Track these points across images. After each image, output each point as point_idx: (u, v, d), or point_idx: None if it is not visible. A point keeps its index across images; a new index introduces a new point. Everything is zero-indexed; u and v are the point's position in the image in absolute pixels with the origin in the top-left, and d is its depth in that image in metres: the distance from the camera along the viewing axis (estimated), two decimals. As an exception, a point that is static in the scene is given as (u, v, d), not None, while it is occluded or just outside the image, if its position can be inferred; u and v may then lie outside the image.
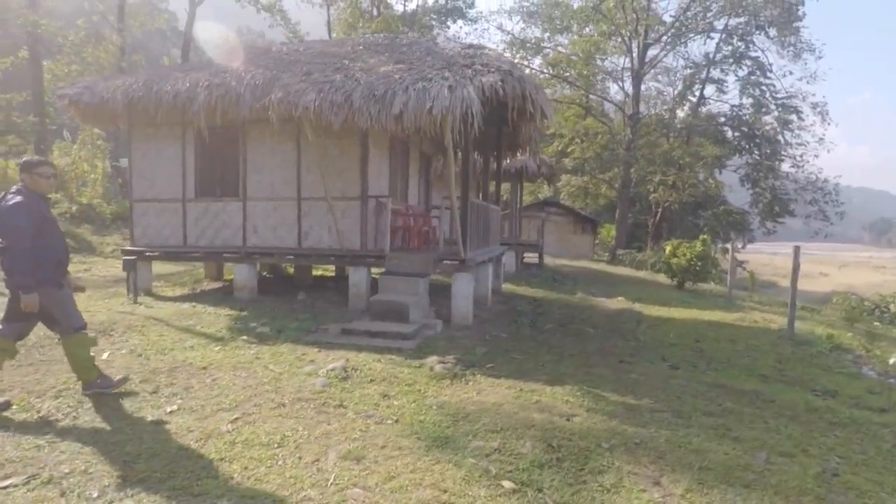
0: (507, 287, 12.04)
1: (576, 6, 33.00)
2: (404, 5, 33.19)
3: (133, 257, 8.25)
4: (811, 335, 9.18)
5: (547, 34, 35.37)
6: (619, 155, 30.50)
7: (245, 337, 6.24)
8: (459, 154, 7.52)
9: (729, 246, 31.97)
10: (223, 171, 8.58)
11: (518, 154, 12.00)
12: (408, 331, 6.27)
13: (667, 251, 15.01)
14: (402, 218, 8.55)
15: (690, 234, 35.02)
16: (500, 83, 6.08)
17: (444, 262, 7.59)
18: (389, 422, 4.00)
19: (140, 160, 8.99)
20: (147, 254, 8.81)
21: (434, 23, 33.02)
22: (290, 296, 8.64)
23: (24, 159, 4.08)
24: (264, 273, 11.46)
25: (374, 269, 8.29)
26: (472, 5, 34.44)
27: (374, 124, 6.34)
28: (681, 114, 34.84)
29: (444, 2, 33.68)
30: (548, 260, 22.78)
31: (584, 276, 16.71)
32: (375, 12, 32.33)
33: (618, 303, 11.15)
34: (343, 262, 8.02)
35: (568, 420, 4.21)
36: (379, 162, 8.45)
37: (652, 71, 33.78)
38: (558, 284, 13.68)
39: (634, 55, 31.16)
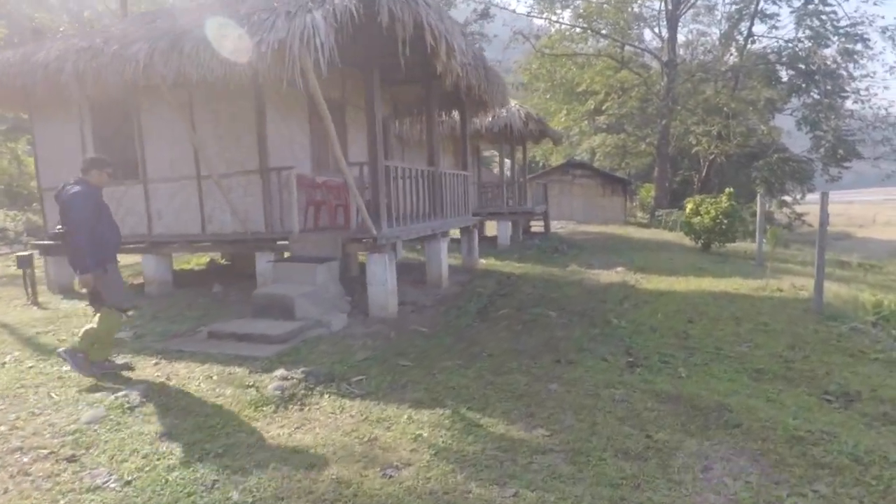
0: (487, 262, 10.55)
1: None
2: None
3: (28, 253, 7.41)
4: (850, 306, 7.18)
5: (576, -17, 32.22)
6: (655, 107, 27.60)
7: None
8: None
9: (787, 198, 29.04)
10: (122, 151, 7.52)
11: (487, 113, 10.29)
12: (278, 332, 5.00)
13: (687, 209, 12.88)
14: (318, 191, 7.20)
15: (745, 189, 31.70)
16: (356, 4, 4.54)
17: (359, 241, 6.23)
18: (113, 488, 2.76)
19: (43, 145, 8.10)
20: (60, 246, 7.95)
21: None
22: (211, 288, 7.57)
23: (93, 157, 4.58)
24: (222, 261, 10.53)
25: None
26: (483, -43, 31.75)
27: (205, 73, 4.98)
28: (727, 56, 31.11)
29: None
30: (571, 226, 20.90)
31: (598, 243, 14.84)
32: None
33: (614, 275, 9.41)
34: (248, 247, 6.83)
35: (389, 477, 2.82)
36: (288, 127, 7.11)
37: (690, 11, 30.19)
38: (558, 256, 12.00)
39: (670, -7, 27.73)
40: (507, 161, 16.73)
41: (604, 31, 31.78)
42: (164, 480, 2.80)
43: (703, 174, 32.36)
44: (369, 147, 6.06)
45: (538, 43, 32.65)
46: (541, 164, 36.65)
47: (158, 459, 3.02)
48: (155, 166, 7.30)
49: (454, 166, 15.49)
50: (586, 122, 34.86)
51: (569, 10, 32.62)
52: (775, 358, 5.15)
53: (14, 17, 21.64)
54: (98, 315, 4.28)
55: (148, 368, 4.53)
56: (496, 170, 21.47)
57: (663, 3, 28.26)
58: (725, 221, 12.03)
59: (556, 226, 20.88)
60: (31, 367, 4.60)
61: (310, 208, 7.15)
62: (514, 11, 32.56)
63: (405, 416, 3.55)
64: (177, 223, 7.30)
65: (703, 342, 5.57)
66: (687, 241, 14.29)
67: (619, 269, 9.90)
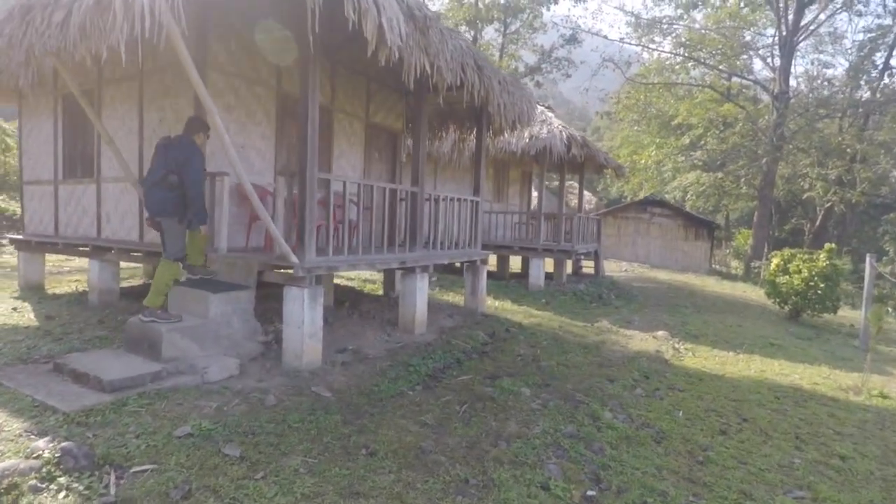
0: (499, 305, 8.91)
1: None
2: (503, -10, 30.01)
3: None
4: None
5: (679, 11, 29.76)
6: (759, 144, 24.23)
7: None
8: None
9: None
10: (83, 147, 6.93)
11: (506, 133, 8.72)
12: (115, 377, 3.82)
13: (773, 265, 10.32)
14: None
15: (871, 246, 26.95)
16: None
17: (279, 269, 4.97)
18: None
19: (27, 137, 7.79)
20: (34, 243, 7.52)
21: (528, 6, 29.42)
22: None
23: (200, 119, 4.83)
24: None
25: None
26: (578, -17, 30.22)
27: (35, 54, 3.95)
28: (857, 92, 26.84)
29: None
30: (638, 271, 18.43)
31: (657, 294, 12.52)
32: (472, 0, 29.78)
33: (650, 341, 7.37)
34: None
35: None
36: (242, 129, 6.08)
37: (810, 39, 26.49)
38: (596, 306, 10.02)
39: (789, 18, 24.42)
40: (555, 190, 14.83)
41: (708, 62, 28.88)
42: None
43: (818, 224, 27.98)
44: (300, 153, 4.80)
45: (630, 71, 30.43)
46: (628, 198, 33.87)
47: None
48: (109, 164, 6.59)
49: (488, 192, 14.02)
50: (682, 157, 31.83)
51: (669, 38, 30.19)
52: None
53: None
54: (158, 267, 4.67)
55: (-74, 409, 3.50)
56: (574, 202, 19.66)
57: (778, 31, 24.94)
58: (822, 285, 9.37)
59: (619, 268, 18.52)
60: None
61: (254, 223, 6.03)
62: (605, 37, 30.51)
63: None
64: (121, 228, 6.51)
65: (726, 477, 3.62)
66: (771, 304, 11.58)
67: (661, 333, 7.80)
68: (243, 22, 5.91)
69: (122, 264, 8.24)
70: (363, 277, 10.60)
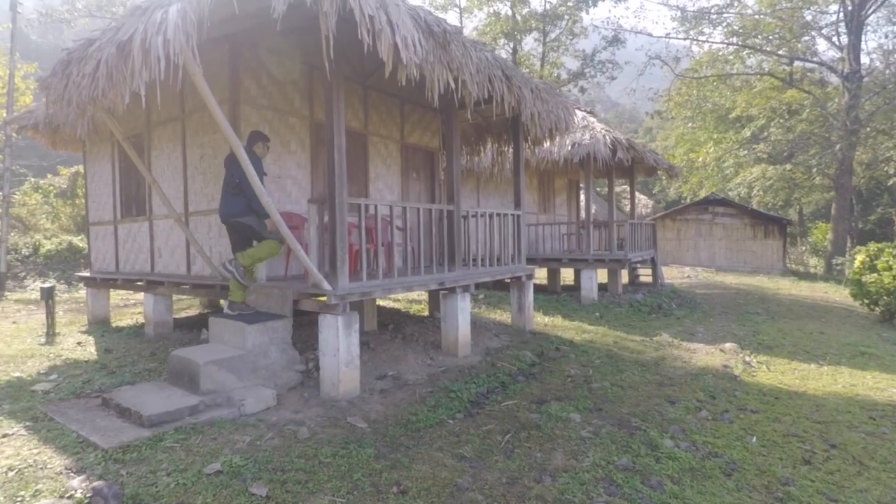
0: (550, 322, 8.53)
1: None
2: (545, 1, 29.66)
3: (50, 285, 7.45)
4: None
5: (729, -1, 28.25)
6: (833, 130, 22.44)
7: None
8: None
9: None
10: (137, 188, 7.27)
11: (545, 143, 8.40)
12: (155, 411, 3.84)
13: (857, 262, 9.33)
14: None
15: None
16: None
17: (313, 297, 4.92)
18: None
19: (91, 180, 8.29)
20: (98, 280, 7.96)
21: (567, 12, 28.90)
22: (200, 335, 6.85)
23: (259, 132, 5.34)
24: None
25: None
26: (617, -16, 29.37)
27: (75, 105, 4.07)
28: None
29: None
30: (704, 276, 17.37)
31: (724, 301, 11.65)
32: (509, 12, 29.63)
33: (717, 355, 6.78)
34: (217, 294, 5.91)
35: None
36: (278, 160, 6.16)
37: (882, 11, 24.38)
38: (656, 317, 9.42)
39: (852, -7, 22.61)
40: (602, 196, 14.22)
41: (766, 48, 27.20)
42: None
43: (907, 214, 25.50)
44: (328, 178, 4.75)
45: (679, 67, 29.17)
46: (687, 199, 32.26)
47: None
48: (158, 202, 6.87)
49: (533, 204, 13.63)
50: (744, 151, 30.08)
51: (719, 28, 28.68)
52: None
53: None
54: (261, 243, 5.09)
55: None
56: (627, 207, 18.94)
57: (843, 6, 23.13)
58: (917, 283, 8.35)
59: (682, 274, 17.50)
60: None
61: (293, 252, 6.04)
62: (649, 34, 29.43)
63: None
64: (171, 262, 6.73)
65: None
66: (859, 306, 10.47)
67: (729, 345, 7.16)
68: (272, 56, 6.02)
69: (181, 296, 8.58)
70: (410, 298, 10.52)
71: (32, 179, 22.59)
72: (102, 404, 4.30)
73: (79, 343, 6.73)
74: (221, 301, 6.57)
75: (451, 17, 31.76)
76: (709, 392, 5.29)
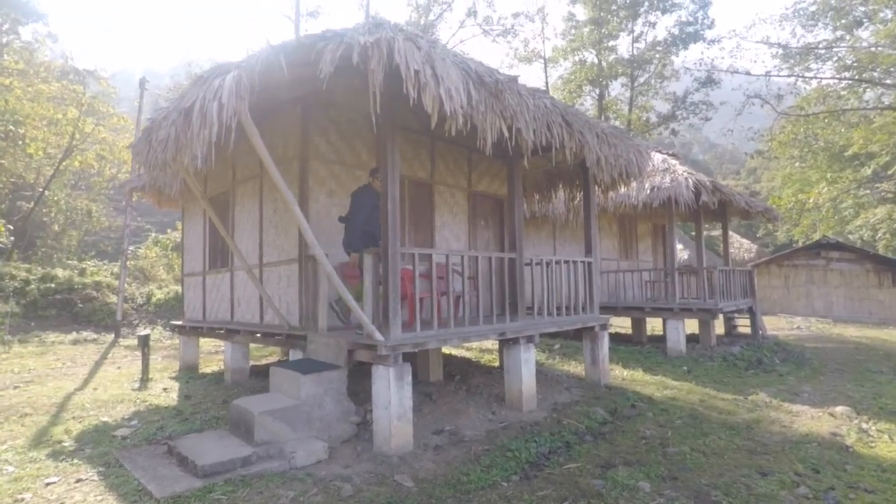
0: (629, 375, 7.92)
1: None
2: (632, 47, 29.43)
3: (147, 332, 8.10)
4: None
5: (839, 32, 26.41)
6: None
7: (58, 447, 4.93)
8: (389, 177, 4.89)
9: None
10: (223, 241, 7.86)
11: (620, 187, 8.01)
12: (209, 461, 3.93)
13: None
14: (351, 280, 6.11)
15: None
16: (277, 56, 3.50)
17: (368, 348, 4.91)
18: None
19: (187, 235, 9.11)
20: (188, 328, 8.60)
21: (656, 56, 28.38)
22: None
23: (374, 167, 5.88)
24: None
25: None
26: (711, 26, 28.51)
27: (158, 168, 4.47)
28: None
29: (676, 31, 28.53)
30: (818, 327, 15.45)
31: (839, 356, 10.19)
32: (594, 60, 29.63)
33: (824, 420, 5.84)
34: (284, 342, 6.10)
35: None
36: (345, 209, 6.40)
37: None
38: (753, 373, 8.42)
39: None
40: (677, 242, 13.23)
41: (886, 81, 24.80)
42: None
43: None
44: (382, 226, 4.83)
45: (783, 105, 27.32)
46: (799, 242, 29.40)
47: None
48: (237, 254, 7.37)
49: (613, 249, 12.97)
50: (865, 191, 27.21)
51: (829, 63, 26.61)
52: None
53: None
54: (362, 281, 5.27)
55: (57, 485, 3.91)
56: (731, 251, 17.45)
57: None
58: None
59: (791, 325, 15.67)
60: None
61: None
62: (747, 73, 27.97)
63: None
64: (248, 312, 7.12)
65: None
66: None
67: (841, 408, 6.16)
68: (340, 113, 6.39)
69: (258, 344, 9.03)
70: (483, 347, 10.28)
71: (153, 234, 25.40)
72: (167, 452, 4.50)
73: (164, 389, 7.21)
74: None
75: (536, 69, 32.30)
76: (811, 464, 4.52)
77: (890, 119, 24.97)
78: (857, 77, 25.37)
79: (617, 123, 28.44)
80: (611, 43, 29.23)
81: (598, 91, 30.00)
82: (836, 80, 26.50)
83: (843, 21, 25.76)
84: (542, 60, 31.53)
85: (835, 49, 26.35)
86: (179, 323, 8.89)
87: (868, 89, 26.32)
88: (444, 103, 3.84)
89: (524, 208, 10.55)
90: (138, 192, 9.35)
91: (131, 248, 25.05)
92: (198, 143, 3.58)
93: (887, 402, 6.58)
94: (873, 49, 24.58)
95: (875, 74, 24.95)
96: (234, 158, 7.33)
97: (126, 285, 18.66)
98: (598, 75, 28.97)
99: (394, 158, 4.83)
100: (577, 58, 30.10)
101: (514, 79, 5.10)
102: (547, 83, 31.36)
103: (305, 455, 4.28)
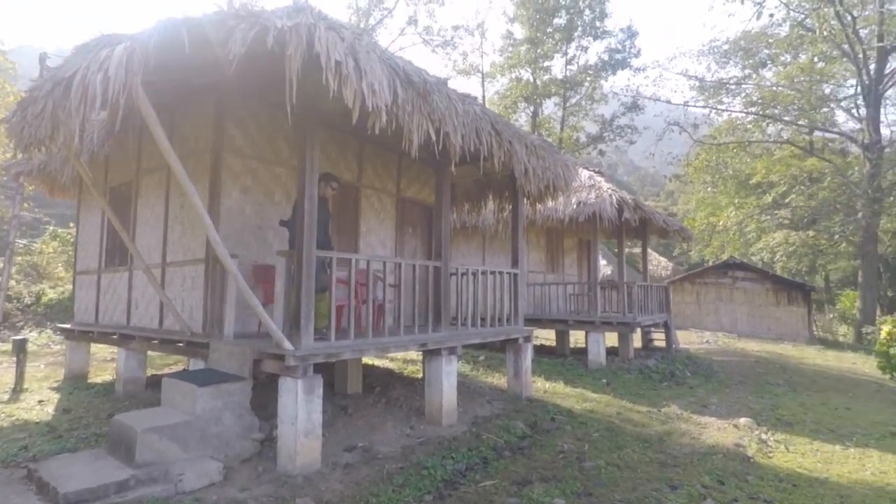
0: (550, 388, 7.95)
1: (783, 35, 26.30)
2: (566, 69, 30.48)
3: (22, 337, 7.19)
4: None
5: (747, 70, 28.86)
6: (858, 199, 21.96)
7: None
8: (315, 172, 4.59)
9: None
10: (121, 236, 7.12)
11: (548, 200, 8.09)
12: (72, 488, 3.40)
13: (883, 333, 8.64)
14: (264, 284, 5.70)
15: None
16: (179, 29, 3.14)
17: (275, 358, 4.52)
18: None
19: (82, 229, 8.23)
20: (76, 332, 7.70)
21: (587, 79, 29.70)
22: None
23: (324, 172, 5.34)
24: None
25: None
26: (637, 55, 30.21)
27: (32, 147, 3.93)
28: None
29: (606, 58, 29.98)
30: (723, 342, 16.47)
31: (743, 369, 10.86)
32: (530, 78, 30.42)
33: (730, 431, 6.09)
34: (184, 350, 5.56)
35: None
36: (263, 209, 5.96)
37: (897, 87, 24.32)
38: (667, 385, 8.74)
39: (870, 68, 22.58)
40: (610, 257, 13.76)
41: (785, 118, 27.26)
42: None
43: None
44: (298, 230, 4.49)
45: (698, 133, 29.42)
46: (709, 262, 31.52)
47: None
48: (138, 251, 6.68)
49: (540, 262, 13.21)
50: (766, 216, 29.61)
51: (738, 98, 29.01)
52: None
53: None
54: None
55: None
56: (650, 268, 18.26)
57: (860, 81, 23.10)
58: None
59: (700, 339, 16.64)
60: None
61: (267, 306, 5.71)
62: (668, 102, 29.94)
63: None
64: (146, 315, 6.46)
65: None
66: (888, 379, 9.60)
67: (744, 420, 6.47)
68: (262, 105, 5.96)
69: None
70: (407, 358, 10.01)
71: (52, 227, 23.11)
72: (27, 476, 3.88)
73: (40, 401, 6.36)
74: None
75: (474, 83, 32.80)
76: (717, 476, 4.64)
77: (787, 153, 27.56)
78: (761, 112, 27.75)
79: (550, 140, 29.39)
80: (546, 63, 30.19)
81: (532, 108, 30.86)
82: (744, 114, 28.94)
83: (751, 61, 28.25)
84: (479, 74, 32.06)
85: (743, 85, 28.85)
86: (67, 326, 7.96)
87: (770, 124, 28.93)
88: (366, 98, 3.59)
89: (454, 217, 10.47)
90: (26, 177, 8.33)
91: (25, 241, 22.59)
92: (76, 118, 3.11)
93: (783, 414, 7.00)
94: (775, 88, 27.05)
95: (776, 111, 27.39)
96: (141, 146, 6.68)
97: (13, 283, 16.76)
98: (532, 93, 29.82)
99: (312, 154, 4.51)
100: (513, 75, 30.88)
101: (443, 81, 4.95)
102: (484, 97, 31.88)
103: (195, 477, 3.83)
